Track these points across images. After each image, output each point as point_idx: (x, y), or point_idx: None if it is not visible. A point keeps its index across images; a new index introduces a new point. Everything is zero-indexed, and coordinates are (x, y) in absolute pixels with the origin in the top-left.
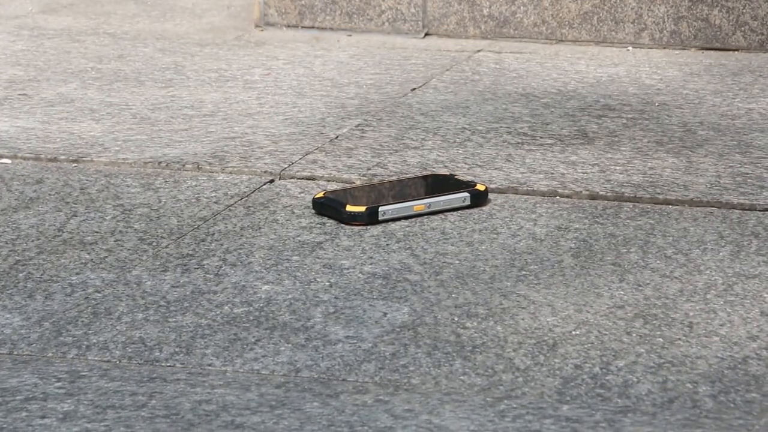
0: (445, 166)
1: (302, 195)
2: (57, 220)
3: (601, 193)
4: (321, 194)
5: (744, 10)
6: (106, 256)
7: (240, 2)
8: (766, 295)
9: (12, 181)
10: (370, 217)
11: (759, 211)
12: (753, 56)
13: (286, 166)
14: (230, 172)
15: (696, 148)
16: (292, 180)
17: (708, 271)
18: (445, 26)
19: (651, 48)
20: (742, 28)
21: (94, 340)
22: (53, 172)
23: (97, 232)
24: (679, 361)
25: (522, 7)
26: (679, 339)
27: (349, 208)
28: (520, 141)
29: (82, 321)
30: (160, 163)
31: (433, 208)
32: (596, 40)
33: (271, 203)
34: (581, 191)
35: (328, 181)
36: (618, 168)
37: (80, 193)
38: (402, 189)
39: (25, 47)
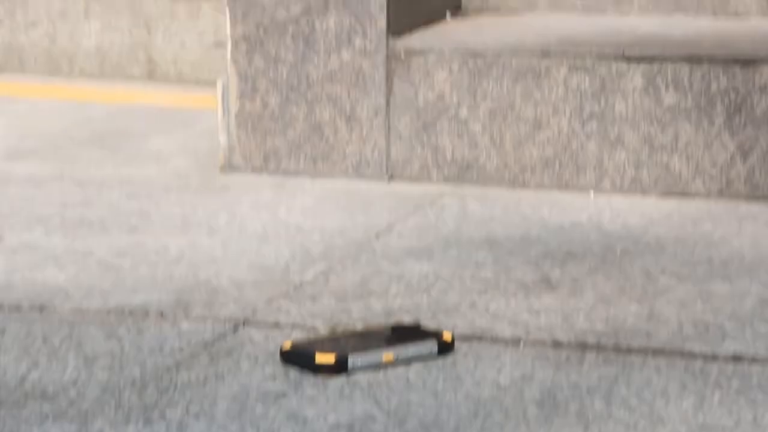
0: (409, 313)
1: (267, 342)
2: (18, 371)
3: (564, 341)
4: (288, 345)
5: (703, 157)
6: (68, 408)
7: (205, 146)
8: None
9: None
10: (340, 367)
11: (721, 360)
12: (713, 203)
13: (250, 313)
14: (194, 320)
15: (658, 295)
16: (257, 327)
17: (671, 423)
18: (408, 171)
19: (612, 194)
20: (702, 176)
21: None
22: (16, 322)
23: (59, 382)
24: None
25: (485, 152)
26: None
27: (319, 358)
28: (483, 288)
29: None
30: (123, 311)
31: (403, 357)
32: (558, 185)
33: (235, 351)
34: (545, 339)
35: (293, 328)
36: (581, 315)
37: (42, 342)
38: (369, 338)
39: None
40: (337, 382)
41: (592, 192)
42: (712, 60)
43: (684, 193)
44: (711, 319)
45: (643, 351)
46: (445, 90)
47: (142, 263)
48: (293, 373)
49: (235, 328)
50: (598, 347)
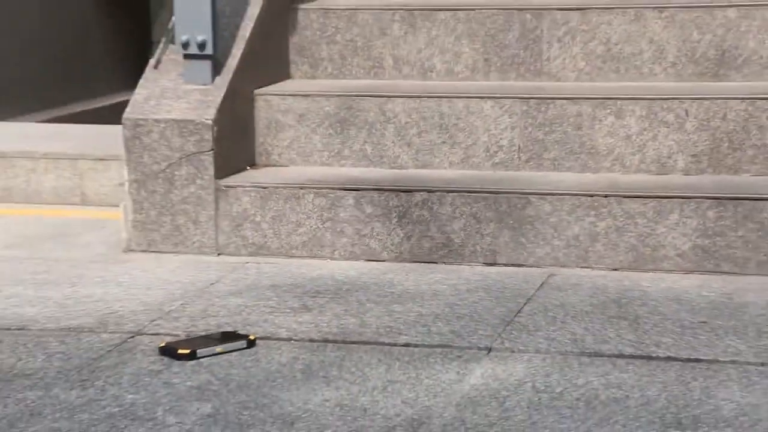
0: (230, 325)
1: (151, 344)
2: (8, 363)
3: (318, 339)
4: (163, 344)
5: None
6: (41, 379)
7: (114, 239)
8: None
9: None
10: (192, 356)
11: None
12: None
13: (141, 328)
14: (109, 332)
15: None
16: (145, 336)
17: None
18: (228, 250)
19: None
20: None
21: None
22: (8, 336)
23: (36, 367)
24: None
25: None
26: None
27: (180, 351)
28: (270, 311)
29: None
30: (68, 328)
31: (227, 350)
32: None
33: (134, 349)
34: (305, 337)
35: (165, 335)
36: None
37: (23, 346)
38: (209, 339)
39: None
40: (191, 363)
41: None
42: None
43: None
44: None
45: None
46: (246, 205)
47: (78, 304)
48: (166, 360)
49: (133, 336)
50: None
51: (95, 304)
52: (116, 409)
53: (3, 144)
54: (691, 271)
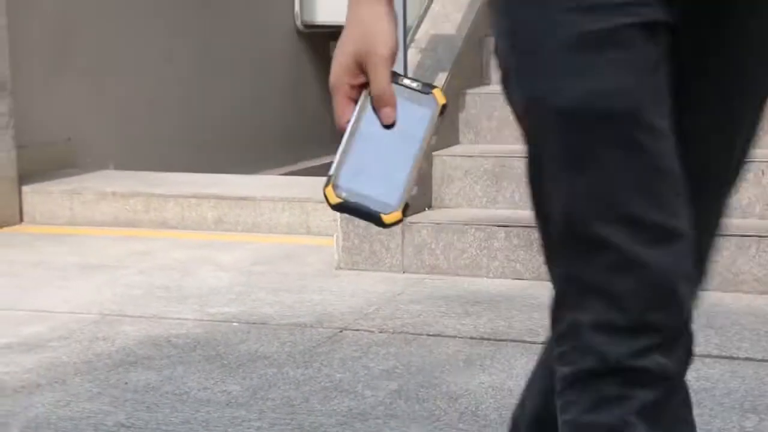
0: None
1: (354, 338)
2: (251, 348)
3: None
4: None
5: None
6: (269, 358)
7: (329, 259)
8: None
9: None
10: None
11: None
12: None
13: (346, 324)
14: (324, 327)
15: None
16: (350, 331)
17: None
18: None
19: None
20: None
21: None
22: (253, 330)
23: (271, 350)
24: None
25: None
26: None
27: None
28: None
29: None
30: (294, 324)
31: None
32: None
33: (342, 340)
34: None
35: (365, 332)
36: None
37: (264, 335)
38: None
39: None
40: (383, 353)
41: None
42: None
43: None
44: None
45: None
46: (425, 236)
47: (302, 306)
48: (365, 349)
49: (341, 331)
50: None
51: (314, 306)
52: (328, 384)
53: (253, 191)
54: (766, 293)
